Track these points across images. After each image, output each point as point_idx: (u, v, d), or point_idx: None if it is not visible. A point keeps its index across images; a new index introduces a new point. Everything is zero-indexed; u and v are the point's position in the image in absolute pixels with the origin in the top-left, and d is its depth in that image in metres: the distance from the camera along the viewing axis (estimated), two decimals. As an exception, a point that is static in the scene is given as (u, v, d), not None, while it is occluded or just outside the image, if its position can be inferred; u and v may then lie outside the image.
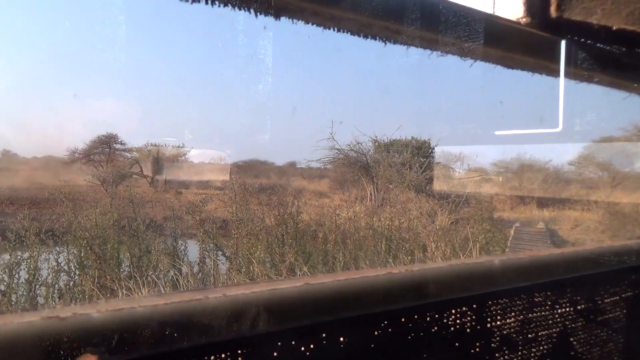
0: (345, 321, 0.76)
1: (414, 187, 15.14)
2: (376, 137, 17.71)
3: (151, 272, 6.57)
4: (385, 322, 0.79)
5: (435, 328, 0.85)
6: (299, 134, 25.36)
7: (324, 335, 0.72)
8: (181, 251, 7.17)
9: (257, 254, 6.68)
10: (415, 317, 0.82)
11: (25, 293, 5.40)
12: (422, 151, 16.99)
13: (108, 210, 7.21)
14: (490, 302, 0.93)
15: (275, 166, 26.35)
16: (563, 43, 1.22)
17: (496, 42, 1.09)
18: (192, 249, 7.35)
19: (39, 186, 15.82)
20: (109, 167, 16.84)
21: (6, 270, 5.35)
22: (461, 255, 6.66)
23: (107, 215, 6.89)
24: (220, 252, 7.29)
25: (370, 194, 16.67)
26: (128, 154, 19.79)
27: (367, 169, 16.77)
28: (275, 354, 0.68)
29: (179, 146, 19.59)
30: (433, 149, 17.40)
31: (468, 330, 0.90)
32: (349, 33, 0.87)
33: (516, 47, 1.14)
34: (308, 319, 0.72)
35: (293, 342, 0.70)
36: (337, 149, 16.92)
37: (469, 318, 0.89)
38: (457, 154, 17.32)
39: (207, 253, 7.22)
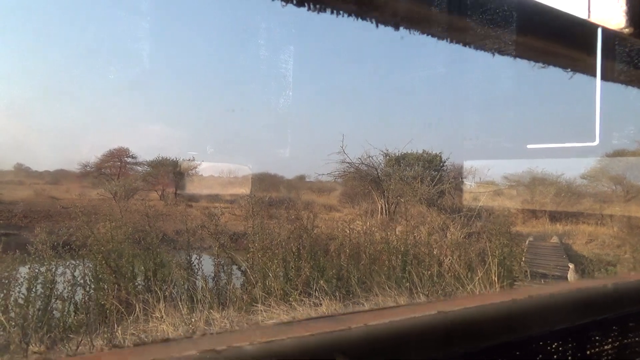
0: (483, 352, 0.73)
1: (426, 200, 15.07)
2: (387, 150, 17.68)
3: (165, 287, 6.54)
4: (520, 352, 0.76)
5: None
6: (309, 148, 25.42)
7: None
8: (195, 265, 7.14)
9: (273, 268, 6.63)
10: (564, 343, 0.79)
11: (42, 307, 5.38)
12: (433, 164, 16.94)
13: (123, 223, 7.21)
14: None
15: (284, 180, 26.38)
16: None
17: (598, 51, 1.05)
18: (206, 263, 7.31)
19: (51, 199, 15.95)
20: (120, 181, 16.94)
21: (24, 283, 5.35)
22: (478, 272, 6.57)
23: (122, 229, 6.89)
24: (235, 266, 7.24)
25: (381, 207, 16.58)
26: (139, 168, 19.96)
27: (377, 182, 16.70)
28: None
29: (189, 160, 19.69)
30: (444, 162, 17.34)
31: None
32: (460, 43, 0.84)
33: (618, 57, 1.10)
34: (444, 350, 0.69)
35: None
36: (348, 163, 16.87)
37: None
38: (468, 168, 17.24)
39: (221, 267, 7.17)
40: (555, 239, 14.30)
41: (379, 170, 17.07)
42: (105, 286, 6.03)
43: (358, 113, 24.97)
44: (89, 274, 6.14)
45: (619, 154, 15.90)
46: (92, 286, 6.10)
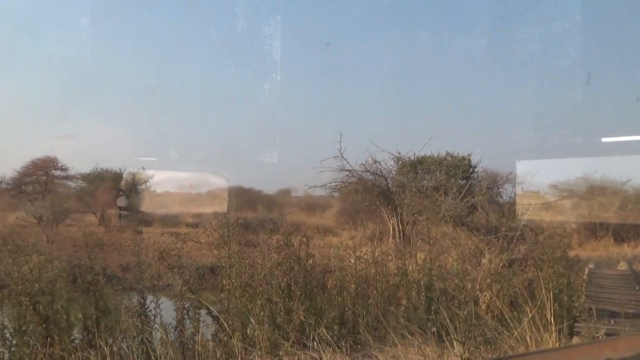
0: None
1: (452, 218, 15.06)
2: (399, 153, 17.54)
3: (112, 340, 6.45)
4: None
5: None
6: (296, 153, 25.46)
7: None
8: (151, 310, 7.06)
9: (256, 311, 6.57)
10: None
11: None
12: (460, 170, 16.89)
13: (54, 257, 7.14)
14: None
15: (262, 194, 26.22)
16: None
17: None
18: (166, 307, 7.23)
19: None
20: (47, 201, 16.74)
21: None
22: (527, 310, 6.55)
23: (53, 264, 6.81)
24: (204, 311, 7.16)
25: (394, 228, 16.53)
26: (71, 183, 19.68)
27: (387, 195, 16.62)
28: None
29: (138, 170, 19.38)
30: (475, 167, 17.26)
31: None
32: None
33: None
34: None
35: None
36: (348, 170, 16.71)
37: None
38: (506, 175, 17.24)
39: (186, 312, 7.09)
40: (623, 266, 14.34)
41: (389, 180, 16.99)
42: (32, 340, 5.94)
43: (358, 104, 25.09)
44: (9, 324, 6.05)
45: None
46: (14, 341, 6.00)
